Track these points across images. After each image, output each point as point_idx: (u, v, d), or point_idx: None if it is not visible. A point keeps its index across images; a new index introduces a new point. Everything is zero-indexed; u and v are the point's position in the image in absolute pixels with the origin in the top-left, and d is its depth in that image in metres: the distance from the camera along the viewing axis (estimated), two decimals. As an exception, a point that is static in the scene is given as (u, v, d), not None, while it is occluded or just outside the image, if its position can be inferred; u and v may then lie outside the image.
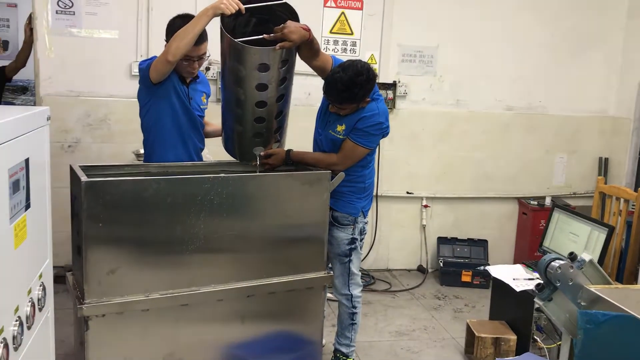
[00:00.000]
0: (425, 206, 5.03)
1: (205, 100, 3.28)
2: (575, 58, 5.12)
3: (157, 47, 4.29)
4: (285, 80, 2.90)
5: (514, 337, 3.43)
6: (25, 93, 5.87)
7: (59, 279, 3.38)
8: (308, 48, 2.90)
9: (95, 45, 4.24)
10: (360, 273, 3.27)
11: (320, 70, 3.04)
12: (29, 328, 1.73)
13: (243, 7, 2.75)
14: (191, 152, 3.20)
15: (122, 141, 4.32)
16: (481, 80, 4.96)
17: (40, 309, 1.85)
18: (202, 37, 2.91)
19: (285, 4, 2.89)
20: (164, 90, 3.01)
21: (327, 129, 3.10)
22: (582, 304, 1.74)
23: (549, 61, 5.07)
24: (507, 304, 3.65)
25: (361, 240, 3.21)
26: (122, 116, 4.32)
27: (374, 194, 3.93)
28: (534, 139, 5.15)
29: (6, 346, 1.53)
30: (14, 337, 1.59)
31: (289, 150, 3.11)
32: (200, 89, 3.23)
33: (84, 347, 2.53)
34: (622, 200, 3.80)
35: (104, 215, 2.46)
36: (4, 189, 1.53)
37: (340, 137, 3.04)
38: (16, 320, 1.63)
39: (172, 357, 2.68)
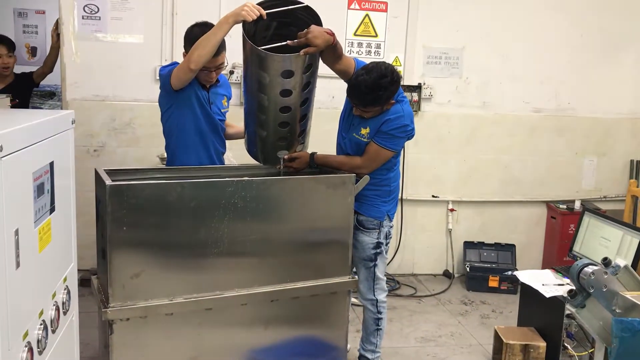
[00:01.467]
0: (452, 210, 4.96)
1: (226, 103, 3.29)
2: (605, 58, 5.01)
3: (181, 51, 4.31)
4: (309, 85, 2.88)
5: (543, 344, 3.35)
6: (53, 98, 5.95)
7: (84, 282, 3.41)
8: (331, 52, 2.87)
9: (121, 50, 4.27)
10: (385, 278, 3.23)
11: (343, 74, 3.01)
12: (53, 332, 1.73)
13: (264, 12, 2.72)
14: (213, 155, 3.19)
15: (146, 145, 4.35)
16: (508, 82, 4.88)
17: (64, 313, 1.86)
18: (220, 47, 2.89)
19: (307, 7, 2.86)
20: (184, 96, 3.02)
21: (351, 132, 3.07)
22: (617, 311, 1.68)
23: (578, 62, 4.96)
24: (536, 310, 3.56)
25: (386, 244, 3.17)
26: (147, 120, 4.34)
27: (399, 197, 3.88)
28: (562, 142, 5.05)
29: (30, 350, 1.52)
30: (38, 341, 1.59)
31: (313, 153, 3.09)
32: (221, 92, 3.23)
33: (108, 350, 2.53)
34: (655, 203, 3.69)
35: (129, 219, 2.46)
36: (29, 192, 1.53)
37: (365, 140, 3.01)
38: (40, 324, 1.62)
39: (196, 362, 2.68)
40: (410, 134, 3.06)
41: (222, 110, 3.23)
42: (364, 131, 3.01)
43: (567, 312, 3.35)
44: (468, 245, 4.93)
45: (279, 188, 2.78)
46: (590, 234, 3.63)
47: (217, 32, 2.79)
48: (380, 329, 3.20)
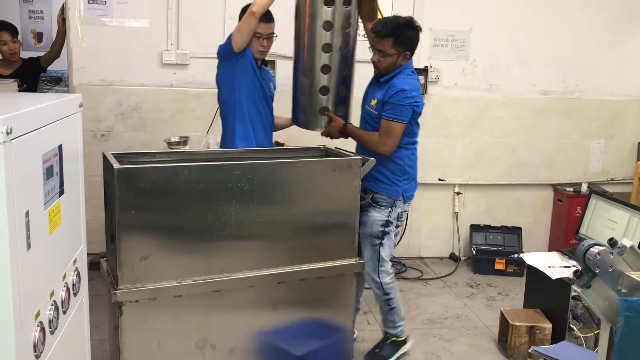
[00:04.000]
0: (458, 193, 4.96)
1: (272, 86, 3.48)
2: (613, 41, 4.97)
3: (187, 35, 4.33)
4: (349, 27, 3.14)
5: (549, 325, 3.36)
6: (59, 84, 5.96)
7: (93, 265, 3.44)
8: (369, 4, 3.22)
9: (126, 35, 4.28)
10: (390, 262, 3.25)
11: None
12: (64, 312, 1.76)
13: None
14: (267, 129, 3.41)
15: (153, 130, 4.37)
16: (515, 64, 4.85)
17: (75, 294, 1.88)
18: (270, 17, 3.21)
19: None
20: (243, 63, 3.23)
21: (365, 104, 3.21)
22: (623, 291, 1.68)
23: (585, 44, 4.93)
24: (542, 292, 3.58)
25: (396, 226, 3.20)
26: (154, 105, 4.36)
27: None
28: (570, 124, 5.03)
29: (42, 329, 1.55)
30: (49, 321, 1.62)
31: (346, 123, 3.21)
32: (268, 77, 3.46)
33: (118, 332, 2.57)
34: (663, 186, 3.68)
35: (137, 202, 2.48)
36: (39, 174, 1.55)
37: (374, 111, 3.12)
38: (52, 305, 1.65)
39: (205, 343, 2.70)
40: (415, 104, 3.07)
41: (271, 90, 3.45)
42: (373, 102, 3.13)
43: (573, 293, 3.37)
44: (474, 228, 4.93)
45: (286, 171, 2.79)
46: (596, 216, 3.63)
47: None
48: (394, 307, 3.25)
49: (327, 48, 3.14)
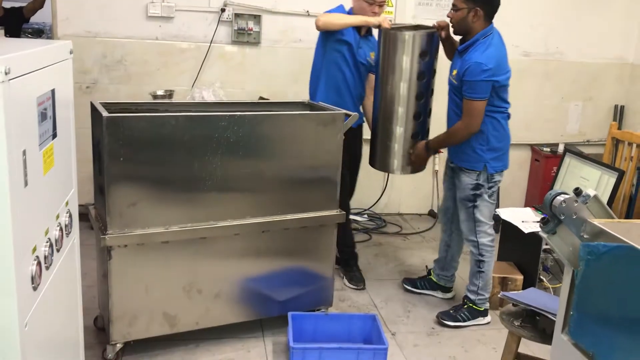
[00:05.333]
0: (438, 152, 5.06)
1: (373, 56, 3.55)
2: (595, 4, 5.03)
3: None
4: (434, 72, 3.29)
5: (520, 276, 3.53)
6: (41, 36, 5.88)
7: (80, 216, 3.51)
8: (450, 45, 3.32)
9: (111, -15, 4.25)
10: (490, 222, 3.26)
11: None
12: (58, 250, 1.84)
13: (390, 26, 3.28)
14: (353, 94, 3.55)
15: (138, 82, 4.38)
16: (498, 25, 4.80)
17: (67, 234, 1.96)
18: None
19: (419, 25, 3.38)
20: (336, 34, 3.42)
21: (449, 74, 3.22)
22: (585, 237, 1.79)
23: (567, 6, 4.99)
24: (516, 245, 3.73)
25: (489, 188, 3.20)
26: (139, 57, 4.36)
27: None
28: (549, 86, 5.13)
29: (39, 264, 1.63)
30: (45, 257, 1.70)
31: (427, 141, 3.28)
32: (369, 45, 3.57)
33: (107, 278, 2.66)
34: (634, 145, 3.82)
35: (125, 150, 2.55)
36: (34, 116, 1.61)
37: (454, 81, 3.14)
38: (47, 242, 1.73)
39: (191, 287, 2.82)
40: (492, 77, 3.02)
41: (367, 59, 3.55)
42: (454, 72, 3.16)
43: (544, 247, 3.53)
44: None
45: (271, 123, 2.86)
46: (570, 174, 3.76)
47: (352, 21, 3.37)
48: (483, 271, 3.26)
49: (420, 96, 3.24)
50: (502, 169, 3.23)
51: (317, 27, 3.39)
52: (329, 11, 3.51)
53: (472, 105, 3.04)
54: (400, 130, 3.29)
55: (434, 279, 3.61)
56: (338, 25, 3.37)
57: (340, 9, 3.53)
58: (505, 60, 3.13)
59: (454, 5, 3.12)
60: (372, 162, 3.50)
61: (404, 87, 3.22)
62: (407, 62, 3.19)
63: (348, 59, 3.48)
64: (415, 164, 3.36)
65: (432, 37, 3.21)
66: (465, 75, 3.04)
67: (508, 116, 3.24)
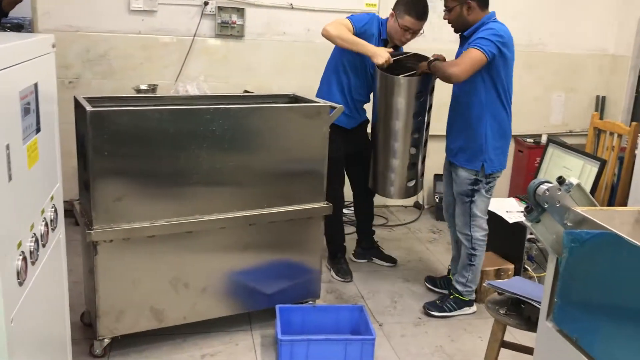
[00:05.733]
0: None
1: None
2: (576, -5, 5.09)
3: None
4: (430, 108, 3.43)
5: (511, 265, 3.55)
6: (21, 31, 5.81)
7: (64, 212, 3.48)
8: None
9: (93, -21, 4.21)
10: (485, 217, 3.27)
11: None
12: (43, 245, 1.83)
13: (391, 60, 3.29)
14: (347, 99, 3.56)
15: (122, 77, 4.35)
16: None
17: (53, 229, 1.94)
18: (424, 15, 3.41)
19: (416, 54, 3.45)
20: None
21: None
22: (569, 224, 1.81)
23: (549, -2, 5.04)
24: (500, 235, 3.75)
25: (487, 183, 3.19)
26: (122, 52, 4.33)
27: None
28: (532, 77, 5.17)
29: (25, 259, 1.62)
30: (31, 252, 1.68)
31: (431, 60, 3.21)
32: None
33: (93, 273, 2.65)
34: (615, 135, 3.87)
35: (109, 144, 2.53)
36: (17, 110, 1.59)
37: None
38: (32, 237, 1.72)
39: (178, 282, 2.81)
40: (501, 41, 2.95)
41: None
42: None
43: (528, 236, 3.57)
44: (438, 177, 5.08)
45: (256, 116, 2.86)
46: (553, 164, 3.81)
47: (358, 44, 3.31)
48: (473, 265, 3.27)
49: (417, 132, 3.40)
50: (500, 168, 3.22)
51: (323, 33, 3.35)
52: (357, 17, 3.47)
53: (471, 53, 2.93)
54: (397, 163, 3.46)
55: (452, 278, 3.56)
56: (342, 44, 3.34)
57: (372, 17, 3.50)
58: (512, 42, 3.06)
59: (445, 6, 3.14)
60: (374, 188, 3.70)
61: (400, 125, 3.36)
62: (403, 103, 3.30)
63: (358, 66, 3.49)
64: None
65: (428, 78, 3.27)
66: (475, 36, 2.99)
67: (508, 114, 3.17)
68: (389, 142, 3.43)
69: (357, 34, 3.36)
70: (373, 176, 3.65)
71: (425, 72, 3.22)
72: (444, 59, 3.19)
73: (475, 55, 2.92)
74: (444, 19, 3.19)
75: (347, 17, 3.42)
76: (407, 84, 3.26)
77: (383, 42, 3.49)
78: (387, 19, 3.51)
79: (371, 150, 3.63)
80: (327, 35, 3.33)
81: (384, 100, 3.38)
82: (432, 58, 3.20)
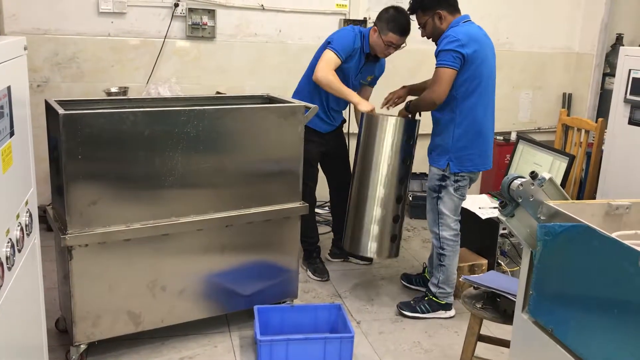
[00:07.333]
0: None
1: (370, 79, 3.70)
2: (542, -6, 5.19)
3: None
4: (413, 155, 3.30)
5: (484, 260, 3.61)
6: (-14, 34, 5.69)
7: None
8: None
9: (60, -19, 4.15)
10: (454, 217, 3.24)
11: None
12: (19, 251, 1.80)
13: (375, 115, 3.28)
14: (325, 108, 3.59)
15: (92, 80, 4.30)
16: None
17: (28, 234, 1.92)
18: (407, 32, 3.45)
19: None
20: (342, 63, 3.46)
21: None
22: (542, 218, 1.85)
23: (516, -3, 5.13)
24: (473, 231, 3.82)
25: (455, 182, 3.16)
26: (92, 55, 4.27)
27: (347, 131, 4.01)
28: (500, 76, 5.15)
29: (1, 264, 1.60)
30: (7, 258, 1.66)
31: (408, 103, 3.30)
32: (374, 69, 3.67)
33: (68, 279, 2.61)
34: (583, 131, 3.96)
35: (83, 148, 2.50)
36: (-10, 114, 1.57)
37: None
38: (8, 242, 1.69)
39: (155, 284, 2.79)
40: (460, 46, 2.98)
41: (361, 81, 3.64)
42: None
43: (501, 232, 3.63)
44: (411, 176, 5.12)
45: (231, 117, 2.85)
46: (523, 160, 3.88)
47: (346, 95, 3.39)
48: (444, 265, 3.25)
49: (402, 180, 3.24)
50: (472, 169, 3.18)
51: (314, 77, 3.39)
52: (339, 33, 3.54)
53: (439, 73, 3.01)
54: (381, 212, 3.24)
55: (427, 277, 3.59)
56: (333, 91, 3.41)
57: (350, 30, 3.53)
58: (480, 39, 3.09)
59: (419, 23, 3.21)
60: (344, 244, 3.41)
61: (388, 171, 3.22)
62: (389, 143, 3.21)
63: (341, 79, 3.46)
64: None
65: (414, 125, 3.25)
66: (436, 50, 3.07)
67: (485, 112, 3.22)
68: (372, 190, 3.25)
69: (345, 61, 3.45)
70: (345, 231, 3.39)
71: (406, 116, 3.24)
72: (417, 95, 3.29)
73: (443, 74, 3.01)
74: (422, 36, 3.24)
75: (331, 47, 3.42)
76: (394, 123, 3.20)
77: (365, 55, 3.53)
78: (369, 30, 3.53)
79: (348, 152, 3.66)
80: (318, 83, 3.41)
81: (367, 146, 3.27)
82: (405, 104, 3.30)
